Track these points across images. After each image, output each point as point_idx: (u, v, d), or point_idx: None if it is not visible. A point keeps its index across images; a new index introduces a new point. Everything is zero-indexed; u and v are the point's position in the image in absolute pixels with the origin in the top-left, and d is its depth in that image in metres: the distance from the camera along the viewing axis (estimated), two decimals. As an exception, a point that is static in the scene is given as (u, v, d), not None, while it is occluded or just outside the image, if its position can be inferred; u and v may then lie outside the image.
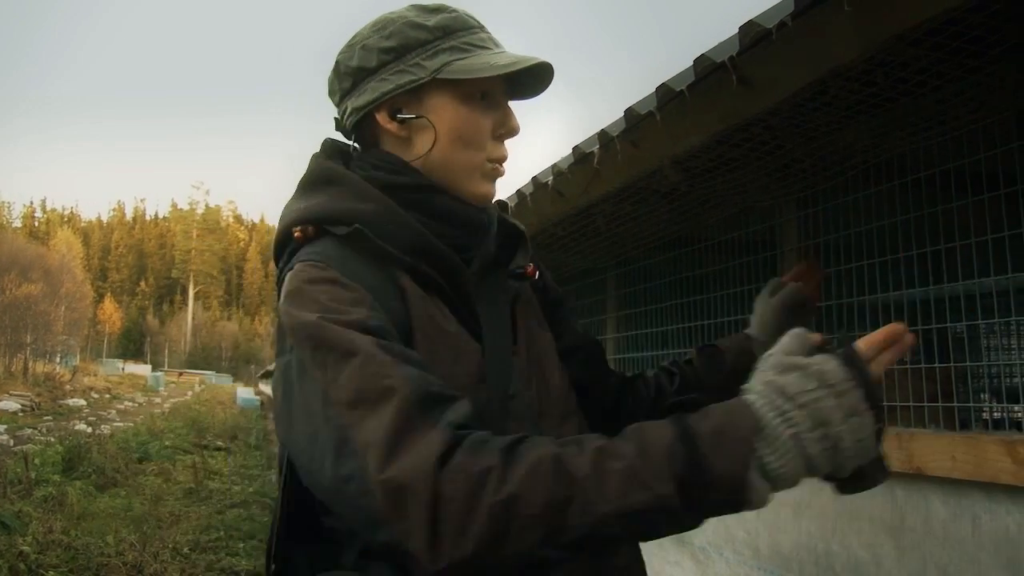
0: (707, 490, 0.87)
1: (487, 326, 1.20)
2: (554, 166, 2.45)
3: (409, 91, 1.20)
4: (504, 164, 1.27)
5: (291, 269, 1.12)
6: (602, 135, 2.09)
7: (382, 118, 1.22)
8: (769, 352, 0.96)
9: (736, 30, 1.54)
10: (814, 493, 1.99)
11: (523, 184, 2.73)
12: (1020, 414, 2.11)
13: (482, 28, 1.26)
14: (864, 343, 0.97)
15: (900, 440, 1.72)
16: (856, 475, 0.94)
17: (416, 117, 1.22)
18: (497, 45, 1.26)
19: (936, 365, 1.81)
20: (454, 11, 1.25)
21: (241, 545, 7.61)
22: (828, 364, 0.91)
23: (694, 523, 0.90)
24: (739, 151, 1.90)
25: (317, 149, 1.31)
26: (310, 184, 1.22)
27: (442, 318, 1.14)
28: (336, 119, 1.31)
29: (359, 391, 0.94)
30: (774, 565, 2.10)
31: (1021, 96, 1.51)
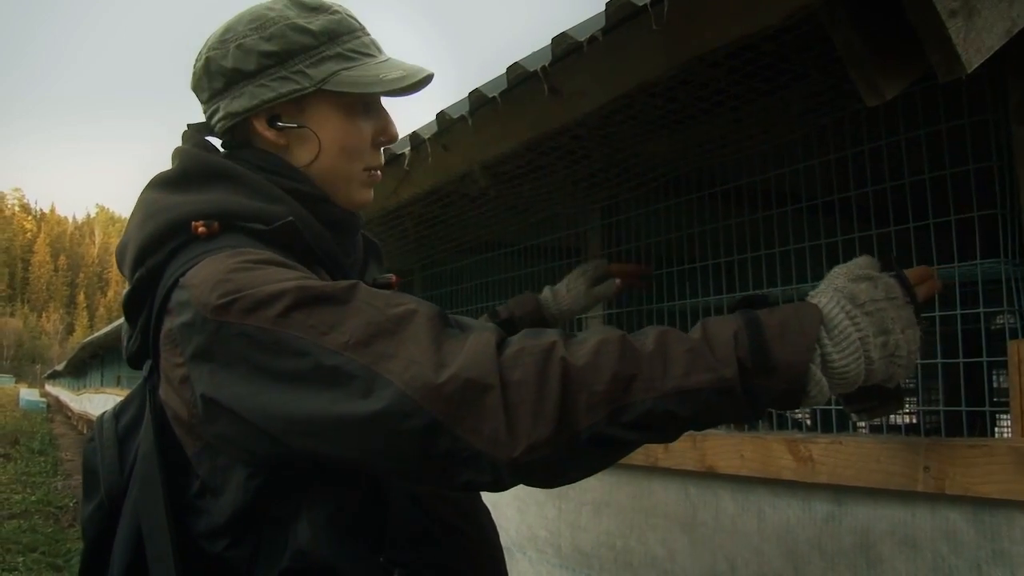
0: (769, 376, 0.87)
1: None
2: (363, 166, 2.41)
3: (290, 100, 1.14)
4: (379, 171, 1.24)
5: (210, 257, 1.00)
6: (413, 137, 2.07)
7: (260, 125, 1.15)
8: (841, 266, 1.01)
9: (550, 41, 1.57)
10: (613, 492, 2.06)
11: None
12: (800, 415, 2.27)
13: (364, 30, 1.21)
14: (910, 273, 1.04)
15: (694, 441, 1.80)
16: (885, 396, 1.04)
17: (297, 127, 1.15)
18: (379, 49, 1.21)
19: (727, 369, 1.91)
20: (336, 11, 1.18)
21: (20, 559, 6.98)
22: (892, 280, 0.98)
23: (752, 413, 0.90)
24: (547, 159, 1.93)
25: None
26: (198, 177, 1.12)
27: None
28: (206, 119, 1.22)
29: (373, 326, 0.88)
30: (575, 563, 2.15)
31: (805, 121, 1.62)
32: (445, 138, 1.98)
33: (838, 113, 1.57)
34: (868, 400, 1.10)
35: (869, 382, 0.95)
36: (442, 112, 1.93)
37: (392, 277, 1.31)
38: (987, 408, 1.44)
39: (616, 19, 1.41)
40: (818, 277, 1.69)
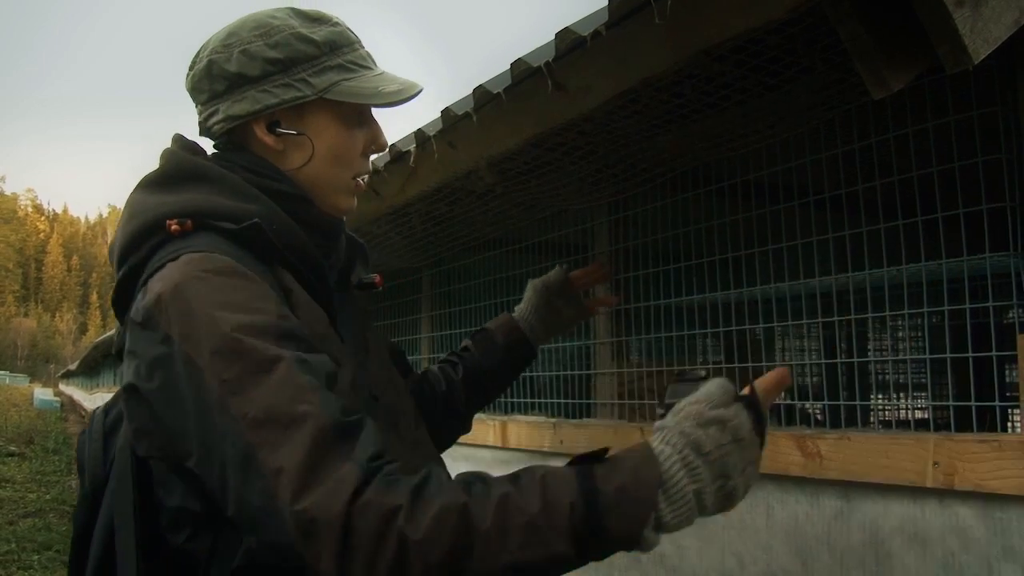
0: (601, 545, 0.91)
1: (344, 332, 1.20)
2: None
3: (291, 106, 1.17)
4: (366, 178, 1.27)
5: (173, 260, 1.03)
6: (419, 134, 2.07)
7: (259, 129, 1.18)
8: (693, 399, 0.99)
9: (553, 36, 1.57)
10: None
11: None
12: (810, 410, 2.26)
13: (360, 43, 1.25)
14: (761, 390, 1.03)
15: (702, 437, 1.79)
16: None
17: (297, 133, 1.18)
18: (374, 63, 1.25)
19: (736, 365, 1.91)
20: (337, 24, 1.22)
21: (36, 557, 7.01)
22: (741, 417, 0.97)
23: (583, 565, 0.94)
24: (553, 155, 1.92)
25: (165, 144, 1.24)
26: (177, 178, 1.15)
27: (324, 322, 1.13)
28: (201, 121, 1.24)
29: (271, 410, 0.91)
30: (584, 560, 2.15)
31: (812, 114, 1.61)
32: (450, 135, 1.97)
33: (845, 106, 1.56)
34: None
35: (703, 515, 0.98)
36: (447, 109, 1.93)
37: (376, 277, 1.34)
38: (997, 403, 1.43)
39: (620, 13, 1.40)
40: (826, 273, 1.69)
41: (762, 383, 1.06)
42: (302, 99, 1.16)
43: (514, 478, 0.93)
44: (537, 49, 1.65)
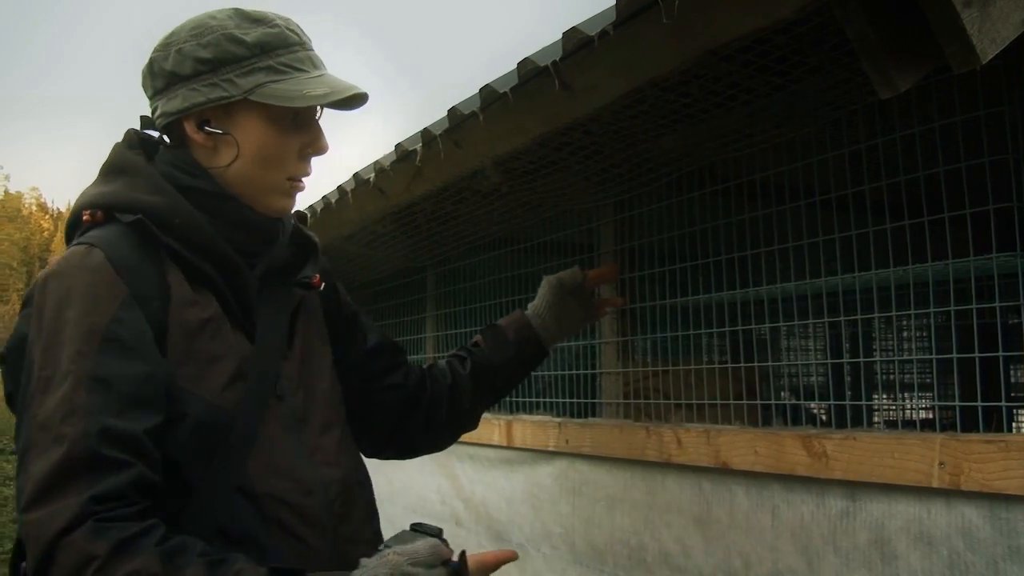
0: None
1: (262, 328, 1.23)
2: (376, 163, 2.41)
3: (219, 105, 1.20)
4: (306, 179, 1.29)
5: (71, 247, 1.14)
6: (425, 133, 2.07)
7: (190, 127, 1.22)
8: (400, 549, 1.06)
9: (560, 36, 1.57)
10: (627, 489, 2.05)
11: (345, 180, 2.68)
12: (815, 410, 2.25)
13: (303, 45, 1.25)
14: (476, 562, 1.11)
15: (708, 436, 1.80)
16: None
17: (223, 133, 1.22)
18: (315, 65, 1.26)
19: (742, 365, 1.91)
20: (276, 25, 1.23)
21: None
22: None
23: None
24: (559, 154, 1.93)
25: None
26: (108, 171, 1.23)
27: (208, 317, 1.16)
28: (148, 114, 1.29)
29: (47, 420, 1.01)
30: (589, 559, 2.15)
31: (818, 114, 1.61)
32: (457, 134, 1.97)
33: (852, 106, 1.56)
34: None
35: None
36: (453, 108, 1.93)
37: (314, 278, 1.34)
38: (1003, 403, 1.43)
39: (627, 13, 1.40)
40: (832, 273, 1.69)
41: (479, 556, 1.13)
42: (228, 99, 1.19)
43: (215, 563, 0.99)
44: (544, 48, 1.65)
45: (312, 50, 1.26)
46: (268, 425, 1.18)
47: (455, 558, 1.07)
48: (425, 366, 1.62)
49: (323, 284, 1.36)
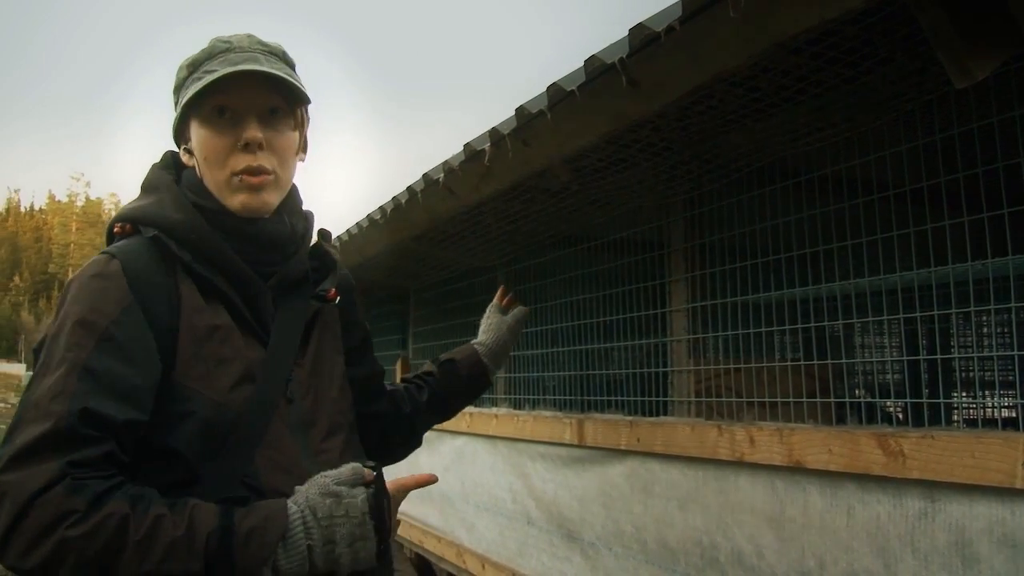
0: (226, 571, 1.09)
1: (276, 335, 1.32)
2: (445, 163, 2.44)
3: (183, 125, 1.34)
4: (255, 174, 1.32)
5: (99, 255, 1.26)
6: (493, 133, 2.09)
7: (182, 150, 1.38)
8: (327, 472, 1.19)
9: (626, 32, 1.56)
10: (699, 488, 2.04)
11: (414, 181, 2.71)
12: (891, 408, 2.21)
13: (230, 49, 1.32)
14: (396, 484, 1.29)
15: (781, 435, 1.77)
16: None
17: (184, 148, 1.36)
18: (242, 61, 1.31)
19: (815, 362, 1.88)
20: (217, 42, 1.34)
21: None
22: (358, 499, 1.16)
23: None
24: (628, 152, 1.92)
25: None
26: (144, 189, 1.36)
27: (217, 324, 1.26)
28: None
29: (40, 399, 1.11)
30: (661, 559, 2.14)
31: (891, 106, 1.57)
32: (525, 133, 1.99)
33: (925, 97, 1.52)
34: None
35: (314, 572, 1.15)
36: (521, 107, 1.94)
37: (331, 291, 1.44)
38: (1091, 401, 1.38)
39: (694, 7, 1.39)
40: (907, 267, 1.66)
41: (400, 479, 1.29)
42: (178, 118, 1.34)
43: (172, 504, 1.11)
44: (610, 45, 1.64)
45: (249, 51, 1.32)
46: (276, 425, 1.26)
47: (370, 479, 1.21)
48: (389, 388, 1.72)
49: (339, 298, 1.47)
